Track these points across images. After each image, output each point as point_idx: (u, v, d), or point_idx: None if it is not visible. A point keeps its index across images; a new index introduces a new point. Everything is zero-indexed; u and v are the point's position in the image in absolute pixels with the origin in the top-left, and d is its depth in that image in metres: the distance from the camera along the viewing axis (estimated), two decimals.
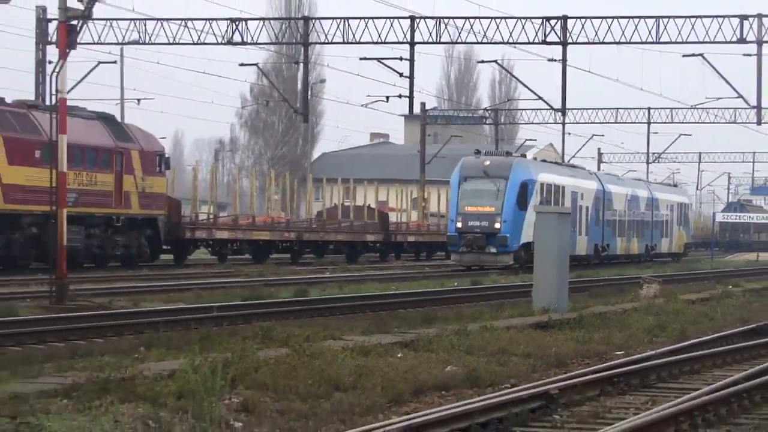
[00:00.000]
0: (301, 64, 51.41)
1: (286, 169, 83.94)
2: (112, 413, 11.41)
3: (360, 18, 46.42)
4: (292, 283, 33.70)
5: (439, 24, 46.85)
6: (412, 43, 46.85)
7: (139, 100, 68.20)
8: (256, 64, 58.78)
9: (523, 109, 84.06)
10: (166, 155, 47.09)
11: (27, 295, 26.80)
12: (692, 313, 26.50)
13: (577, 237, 52.71)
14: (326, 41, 48.53)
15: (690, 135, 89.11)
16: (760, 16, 45.23)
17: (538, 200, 49.04)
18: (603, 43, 45.81)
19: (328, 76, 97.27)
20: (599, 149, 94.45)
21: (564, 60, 46.48)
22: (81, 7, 26.37)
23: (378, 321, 21.61)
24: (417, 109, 61.79)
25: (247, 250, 52.35)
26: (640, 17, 45.60)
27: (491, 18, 46.83)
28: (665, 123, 75.66)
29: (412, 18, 46.92)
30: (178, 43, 47.04)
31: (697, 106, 68.30)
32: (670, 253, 70.92)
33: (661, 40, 45.38)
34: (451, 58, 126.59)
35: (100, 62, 51.39)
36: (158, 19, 47.19)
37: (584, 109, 73.42)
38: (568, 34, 45.88)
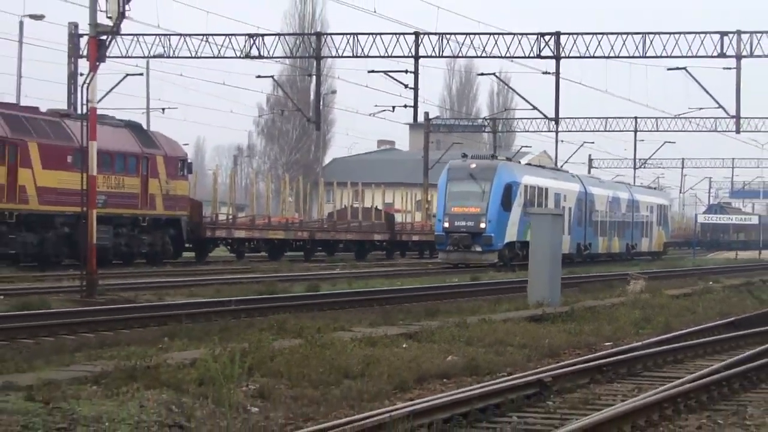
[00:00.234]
0: (314, 77, 51.38)
1: (299, 174, 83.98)
2: (138, 399, 11.41)
3: (368, 34, 46.42)
4: (304, 279, 33.72)
5: (442, 39, 46.83)
6: (417, 57, 46.83)
7: (163, 109, 68.11)
8: (272, 77, 58.97)
9: (519, 118, 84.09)
10: (189, 160, 47.11)
11: (60, 290, 26.84)
12: (676, 307, 26.45)
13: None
14: (337, 55, 48.55)
15: (674, 142, 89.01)
16: (739, 32, 45.21)
17: (521, 201, 48.53)
18: (593, 57, 45.79)
19: (339, 88, 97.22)
20: (590, 155, 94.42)
21: (557, 73, 46.45)
22: (110, 23, 26.38)
23: (384, 314, 21.60)
24: (421, 118, 61.69)
25: (264, 248, 52.37)
26: (627, 33, 45.59)
27: (490, 34, 46.82)
28: (651, 131, 75.56)
29: (417, 34, 46.90)
30: (200, 57, 47.05)
31: (681, 116, 68.22)
32: (650, 251, 70.25)
33: (648, 54, 45.35)
34: (453, 71, 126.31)
35: (127, 74, 51.44)
36: (181, 35, 47.21)
37: (576, 118, 73.38)
38: (561, 49, 45.85)
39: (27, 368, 13.20)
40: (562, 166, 71.40)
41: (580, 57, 45.92)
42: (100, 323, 19.18)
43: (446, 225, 47.31)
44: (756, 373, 14.82)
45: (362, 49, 46.44)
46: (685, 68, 47.78)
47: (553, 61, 46.20)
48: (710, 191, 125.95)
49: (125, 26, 27.15)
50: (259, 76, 56.30)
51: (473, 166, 48.24)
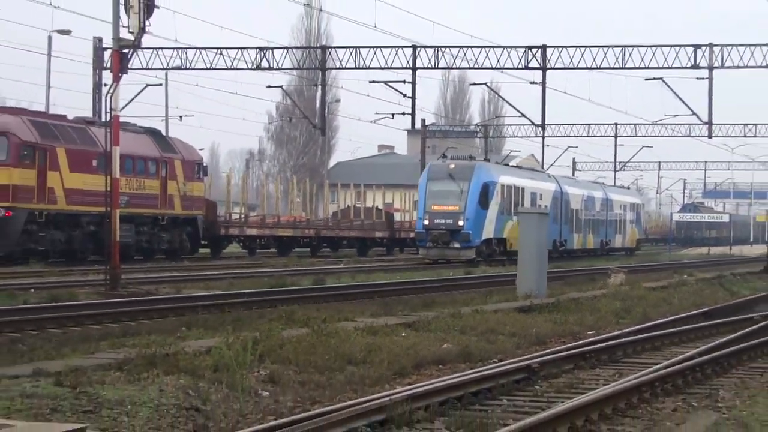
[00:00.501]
0: (319, 86, 51.21)
1: (306, 176, 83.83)
2: (158, 384, 11.41)
3: (369, 47, 46.32)
4: (311, 273, 33.69)
5: (437, 52, 46.76)
6: (414, 69, 46.76)
7: (181, 117, 67.99)
8: (280, 87, 58.86)
9: (508, 125, 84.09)
10: (204, 164, 47.11)
11: (86, 284, 26.82)
12: (653, 299, 26.45)
13: None
14: (341, 67, 48.48)
15: (651, 147, 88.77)
16: (710, 45, 45.17)
17: (498, 200, 47.87)
18: (577, 68, 45.70)
19: (342, 97, 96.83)
20: (574, 159, 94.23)
21: (543, 83, 46.38)
22: (132, 38, 26.37)
23: (384, 305, 21.60)
24: (418, 125, 61.63)
25: (273, 245, 52.35)
26: (608, 46, 45.49)
27: (481, 47, 46.76)
28: (630, 136, 75.48)
29: (414, 47, 46.85)
30: (215, 69, 46.98)
31: (658, 122, 68.08)
32: (624, 247, 69.40)
33: (627, 66, 45.26)
34: (447, 81, 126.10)
35: (147, 85, 51.42)
36: (197, 48, 47.13)
37: (561, 124, 73.23)
38: (547, 61, 45.76)
39: (56, 356, 13.20)
40: (548, 169, 71.21)
41: (564, 68, 45.85)
42: (123, 314, 19.17)
43: (426, 222, 46.43)
44: (727, 359, 14.83)
45: (364, 61, 46.36)
46: (661, 78, 47.74)
47: (540, 72, 46.12)
48: (684, 192, 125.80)
49: (145, 40, 27.13)
50: (269, 86, 56.28)
51: (452, 166, 47.52)
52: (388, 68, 46.47)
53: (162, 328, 16.65)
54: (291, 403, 11.27)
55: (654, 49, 45.07)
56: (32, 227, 36.02)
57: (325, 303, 22.42)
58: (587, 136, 74.85)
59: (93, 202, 35.87)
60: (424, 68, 46.88)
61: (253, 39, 72.47)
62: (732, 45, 45.19)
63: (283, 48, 49.31)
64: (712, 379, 13.64)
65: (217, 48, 46.86)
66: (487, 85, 63.18)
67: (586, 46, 45.74)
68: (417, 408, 10.42)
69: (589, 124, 73.99)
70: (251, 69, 46.92)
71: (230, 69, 46.90)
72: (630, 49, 45.32)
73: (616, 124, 74.59)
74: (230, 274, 32.02)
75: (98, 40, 47.58)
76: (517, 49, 46.13)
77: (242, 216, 50.83)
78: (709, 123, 48.09)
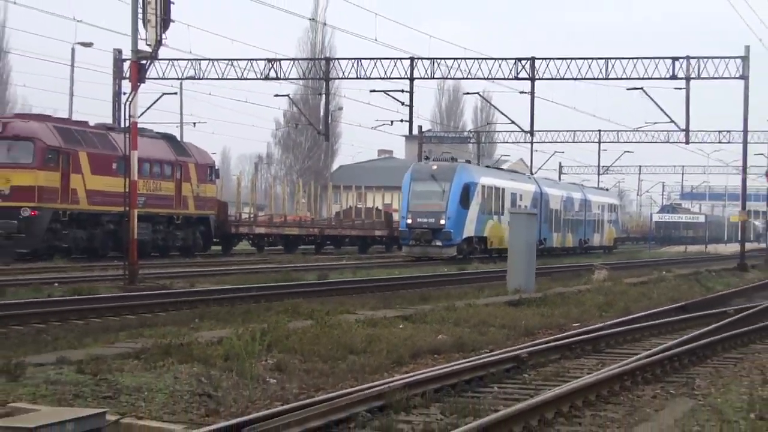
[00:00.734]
0: (323, 95, 51.21)
1: (311, 179, 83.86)
2: (173, 371, 11.40)
3: (370, 59, 46.32)
4: (315, 269, 33.67)
5: (433, 64, 46.75)
6: (412, 79, 46.74)
7: (194, 123, 68.06)
8: (287, 95, 58.57)
9: (499, 131, 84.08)
10: (216, 167, 47.08)
11: (106, 278, 26.83)
12: (634, 294, 26.44)
13: None
14: (343, 77, 48.44)
15: (632, 152, 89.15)
16: (688, 57, 45.19)
17: (479, 200, 47.26)
18: (563, 79, 45.70)
19: (345, 105, 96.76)
20: (560, 163, 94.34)
21: (532, 92, 46.35)
22: (149, 50, 26.36)
23: (384, 299, 21.59)
24: (415, 131, 61.69)
25: (280, 243, 52.33)
26: (593, 58, 45.49)
27: (474, 59, 46.75)
28: (613, 142, 75.44)
29: (412, 59, 46.84)
30: (226, 78, 46.98)
31: (638, 129, 68.07)
32: (602, 246, 68.69)
33: (610, 76, 45.25)
34: (443, 91, 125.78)
35: (164, 93, 51.33)
36: (210, 60, 47.14)
37: (548, 130, 73.21)
38: (535, 72, 45.77)
39: (78, 345, 13.21)
40: (536, 173, 71.16)
41: (551, 78, 45.84)
42: (141, 307, 19.17)
43: (409, 221, 45.90)
44: (703, 350, 14.83)
45: (365, 72, 46.36)
46: (641, 88, 47.69)
47: (529, 82, 46.12)
48: (663, 194, 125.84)
49: (162, 52, 27.10)
50: (276, 95, 56.48)
51: (435, 167, 46.93)
52: (387, 78, 46.48)
53: (177, 320, 16.66)
54: (296, 390, 11.26)
55: (635, 60, 45.11)
56: (56, 226, 36.03)
57: (328, 297, 22.41)
58: (573, 142, 74.91)
59: (113, 202, 35.85)
60: (421, 78, 46.90)
61: (262, 51, 72.69)
62: (707, 57, 45.23)
63: (290, 59, 49.33)
64: (688, 368, 13.63)
65: (229, 59, 46.88)
66: (479, 95, 63.29)
67: (572, 58, 45.78)
68: (414, 395, 10.41)
69: (575, 131, 74.10)
70: (260, 79, 46.93)
71: (240, 79, 46.90)
72: (613, 60, 45.34)
73: (599, 130, 74.70)
74: (240, 270, 32.01)
75: (118, 52, 47.59)
76: (508, 60, 46.16)
77: (251, 215, 50.81)
78: (687, 130, 48.06)
